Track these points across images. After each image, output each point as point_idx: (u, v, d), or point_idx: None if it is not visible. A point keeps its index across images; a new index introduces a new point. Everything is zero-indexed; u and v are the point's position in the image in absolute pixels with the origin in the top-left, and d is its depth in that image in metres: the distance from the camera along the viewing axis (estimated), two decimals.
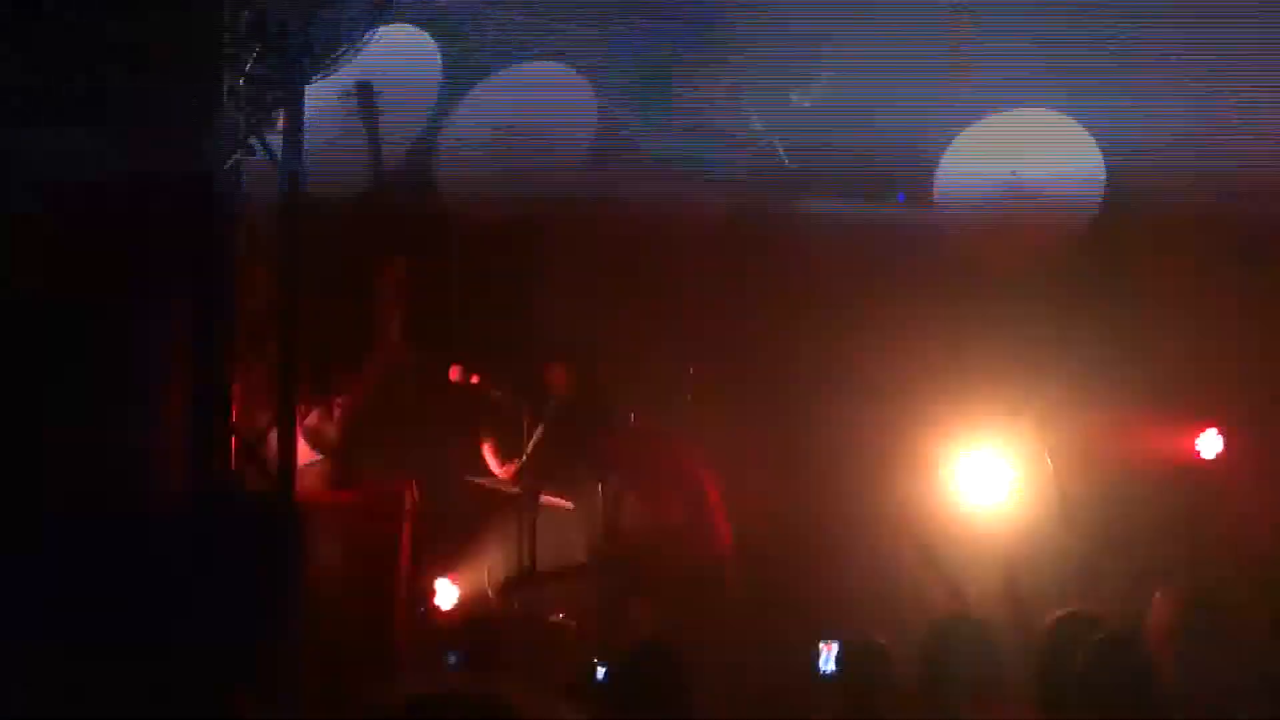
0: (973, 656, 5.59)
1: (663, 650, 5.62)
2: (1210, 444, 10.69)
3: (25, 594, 5.69)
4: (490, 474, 9.45)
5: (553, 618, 9.02)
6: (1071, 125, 10.50)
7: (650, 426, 9.55)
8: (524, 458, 9.23)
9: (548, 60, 9.67)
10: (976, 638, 5.71)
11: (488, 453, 9.62)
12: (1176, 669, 5.49)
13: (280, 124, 6.73)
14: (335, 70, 6.65)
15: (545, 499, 9.09)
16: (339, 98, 8.09)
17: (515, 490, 9.13)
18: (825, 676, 6.46)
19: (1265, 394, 10.72)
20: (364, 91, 8.25)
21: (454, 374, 9.02)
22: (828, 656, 6.51)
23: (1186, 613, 5.73)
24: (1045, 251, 10.66)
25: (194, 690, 5.84)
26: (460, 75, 9.11)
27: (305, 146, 6.74)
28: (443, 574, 9.01)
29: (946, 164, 10.61)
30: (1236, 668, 6.17)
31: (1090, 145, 10.45)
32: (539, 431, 9.17)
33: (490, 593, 9.06)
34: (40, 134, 5.96)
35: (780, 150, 11.58)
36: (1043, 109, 10.54)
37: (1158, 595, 6.66)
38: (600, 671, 6.40)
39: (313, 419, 8.66)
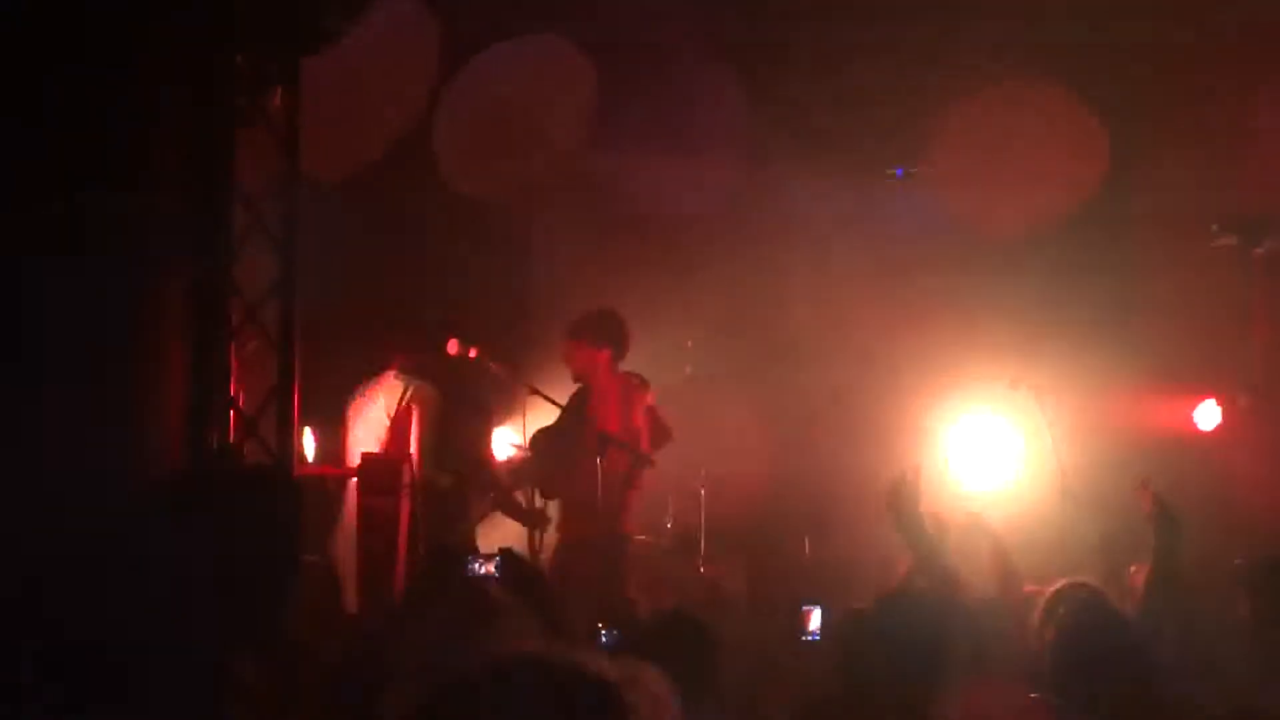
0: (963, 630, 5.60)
1: (691, 619, 5.68)
2: (1208, 415, 10.69)
3: (22, 566, 5.70)
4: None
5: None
6: (1070, 99, 10.51)
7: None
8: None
9: (547, 33, 9.66)
10: (966, 611, 5.72)
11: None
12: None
13: (278, 99, 6.73)
14: (334, 45, 6.64)
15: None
16: (337, 72, 8.07)
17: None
18: (810, 640, 6.47)
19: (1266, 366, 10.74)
20: (363, 66, 8.23)
21: (453, 348, 9.02)
22: (812, 621, 6.53)
23: (1155, 588, 5.73)
24: (1044, 222, 10.69)
25: (193, 661, 5.85)
26: (459, 49, 9.10)
27: (303, 122, 6.73)
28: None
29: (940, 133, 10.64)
30: (1201, 647, 6.19)
31: (1089, 120, 10.47)
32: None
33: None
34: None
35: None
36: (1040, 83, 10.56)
37: (1133, 568, 6.68)
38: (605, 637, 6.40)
39: None
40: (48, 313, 5.89)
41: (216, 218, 6.51)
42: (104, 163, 6.07)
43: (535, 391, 9.26)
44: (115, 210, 6.13)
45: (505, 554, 4.99)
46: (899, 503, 5.98)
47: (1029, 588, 6.16)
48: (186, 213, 6.42)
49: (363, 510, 8.53)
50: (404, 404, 8.87)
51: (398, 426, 8.85)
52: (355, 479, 8.66)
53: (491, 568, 4.84)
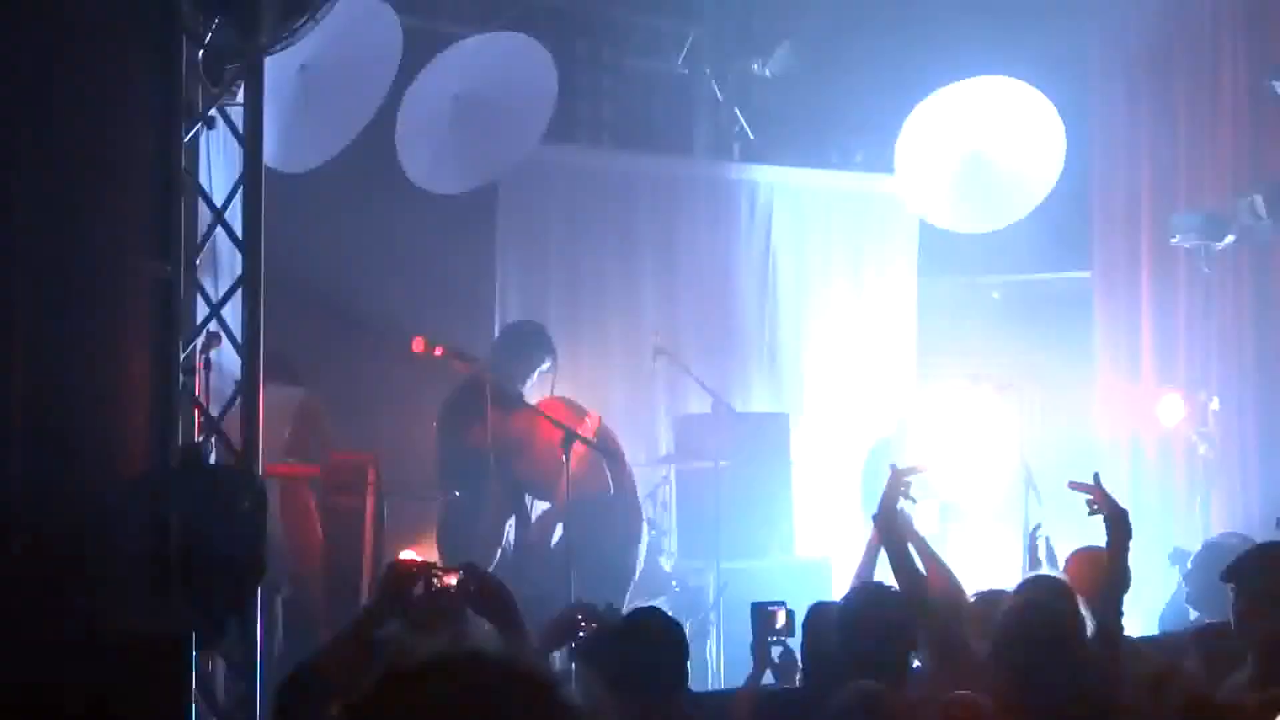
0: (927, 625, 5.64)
1: (660, 618, 5.70)
2: (1172, 409, 10.73)
3: None
4: None
5: None
6: (1033, 93, 10.54)
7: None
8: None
9: (509, 30, 9.65)
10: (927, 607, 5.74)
11: None
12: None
13: (240, 96, 6.71)
14: (295, 41, 6.62)
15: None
16: (299, 69, 8.04)
17: None
18: (776, 640, 6.48)
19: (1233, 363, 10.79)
20: (325, 62, 8.19)
21: (418, 345, 8.97)
22: (778, 621, 6.54)
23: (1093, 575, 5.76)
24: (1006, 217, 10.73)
25: (156, 663, 5.84)
26: (421, 45, 9.07)
27: (266, 119, 6.71)
28: (405, 546, 8.99)
29: (908, 132, 10.66)
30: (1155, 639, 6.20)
31: (1051, 113, 10.50)
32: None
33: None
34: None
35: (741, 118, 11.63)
36: (1004, 77, 10.59)
37: (1070, 555, 6.71)
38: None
39: None
40: (11, 311, 5.87)
41: (179, 215, 6.49)
42: (64, 160, 6.04)
43: (500, 388, 9.22)
44: (77, 208, 6.11)
45: (467, 568, 4.96)
46: (892, 513, 6.04)
47: (994, 586, 6.18)
48: (149, 210, 6.40)
49: (328, 509, 8.50)
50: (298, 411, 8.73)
51: (296, 433, 8.69)
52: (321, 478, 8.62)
53: (451, 580, 4.81)
